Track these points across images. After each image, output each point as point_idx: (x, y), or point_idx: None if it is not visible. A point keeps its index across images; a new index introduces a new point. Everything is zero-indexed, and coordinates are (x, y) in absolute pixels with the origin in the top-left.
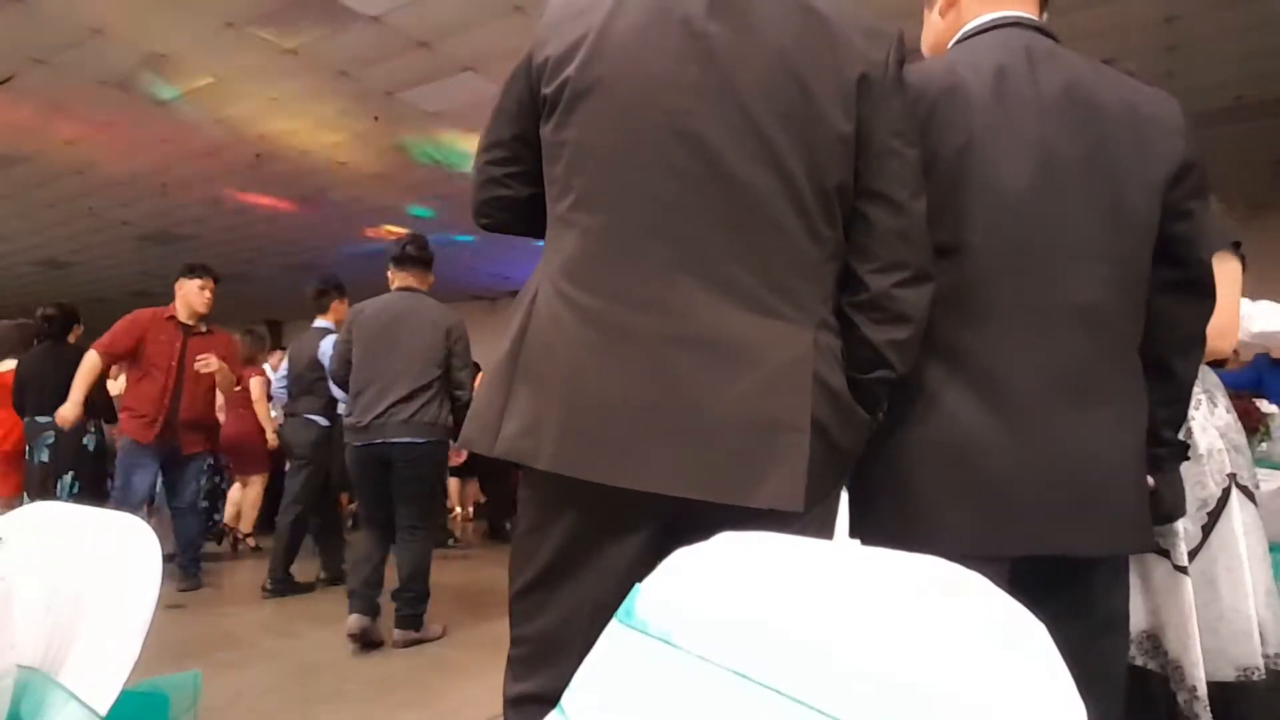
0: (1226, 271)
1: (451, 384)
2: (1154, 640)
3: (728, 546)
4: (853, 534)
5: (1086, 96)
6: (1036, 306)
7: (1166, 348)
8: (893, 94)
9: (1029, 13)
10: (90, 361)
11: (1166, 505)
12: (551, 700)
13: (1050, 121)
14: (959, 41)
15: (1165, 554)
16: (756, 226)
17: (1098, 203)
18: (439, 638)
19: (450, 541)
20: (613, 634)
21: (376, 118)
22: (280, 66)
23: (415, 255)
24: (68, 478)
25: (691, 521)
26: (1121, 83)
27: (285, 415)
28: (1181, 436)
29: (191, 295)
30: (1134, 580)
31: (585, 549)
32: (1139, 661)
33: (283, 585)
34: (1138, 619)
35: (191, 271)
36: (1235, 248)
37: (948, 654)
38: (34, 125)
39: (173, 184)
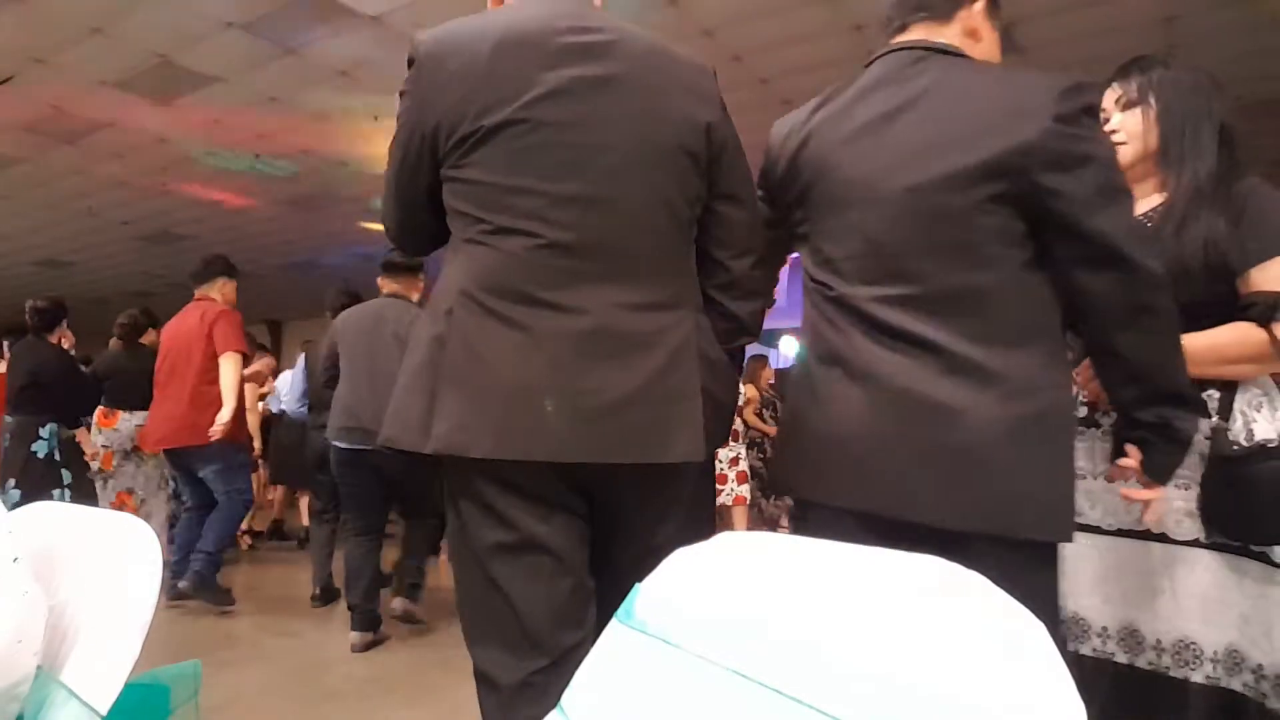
0: None
1: None
2: (1234, 656)
3: (727, 546)
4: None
5: (927, 103)
6: (882, 301)
7: (1101, 325)
8: (727, 122)
9: (935, 40)
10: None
11: (1156, 481)
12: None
13: (881, 136)
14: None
15: (1259, 557)
16: (645, 238)
17: (919, 199)
18: (417, 620)
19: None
20: (612, 633)
21: (376, 117)
22: (280, 66)
23: (401, 262)
24: (10, 484)
25: (612, 480)
26: (985, 79)
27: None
28: (1243, 439)
29: (233, 297)
30: (1213, 591)
31: (535, 521)
32: (1223, 683)
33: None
34: (1217, 634)
35: (235, 272)
36: None
37: (947, 654)
38: (34, 125)
39: (173, 184)
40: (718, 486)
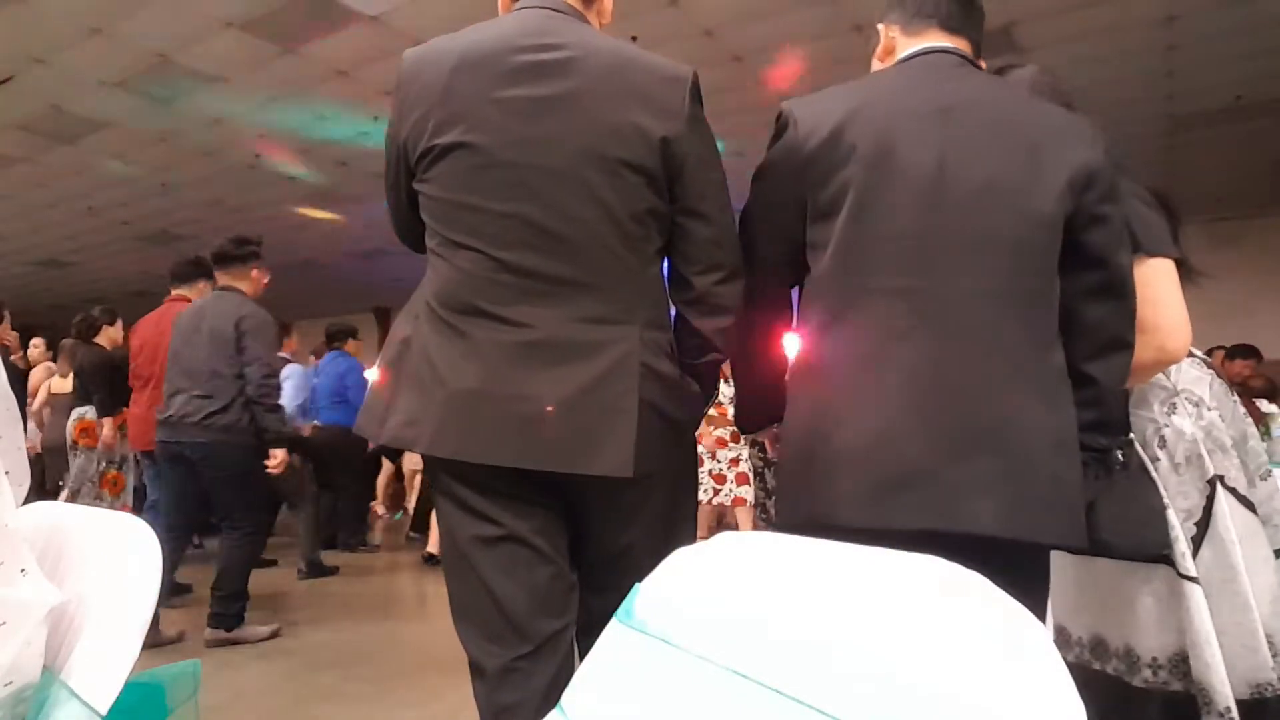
0: (1165, 271)
1: (245, 380)
2: (1186, 661)
3: (727, 546)
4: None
5: (979, 112)
6: (925, 310)
7: (1083, 352)
8: (693, 135)
9: (953, 44)
10: None
11: (1094, 513)
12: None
13: (938, 136)
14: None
15: (1167, 561)
16: (587, 252)
17: (983, 210)
18: (261, 639)
19: (362, 546)
20: (612, 633)
21: (376, 118)
22: (280, 66)
23: (230, 253)
24: None
25: (572, 483)
26: (1026, 103)
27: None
28: (1156, 445)
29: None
30: (1163, 599)
31: (510, 515)
32: (1175, 687)
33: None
34: (1167, 640)
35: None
36: (1167, 250)
37: (947, 654)
38: (34, 125)
39: (173, 184)
40: (716, 486)
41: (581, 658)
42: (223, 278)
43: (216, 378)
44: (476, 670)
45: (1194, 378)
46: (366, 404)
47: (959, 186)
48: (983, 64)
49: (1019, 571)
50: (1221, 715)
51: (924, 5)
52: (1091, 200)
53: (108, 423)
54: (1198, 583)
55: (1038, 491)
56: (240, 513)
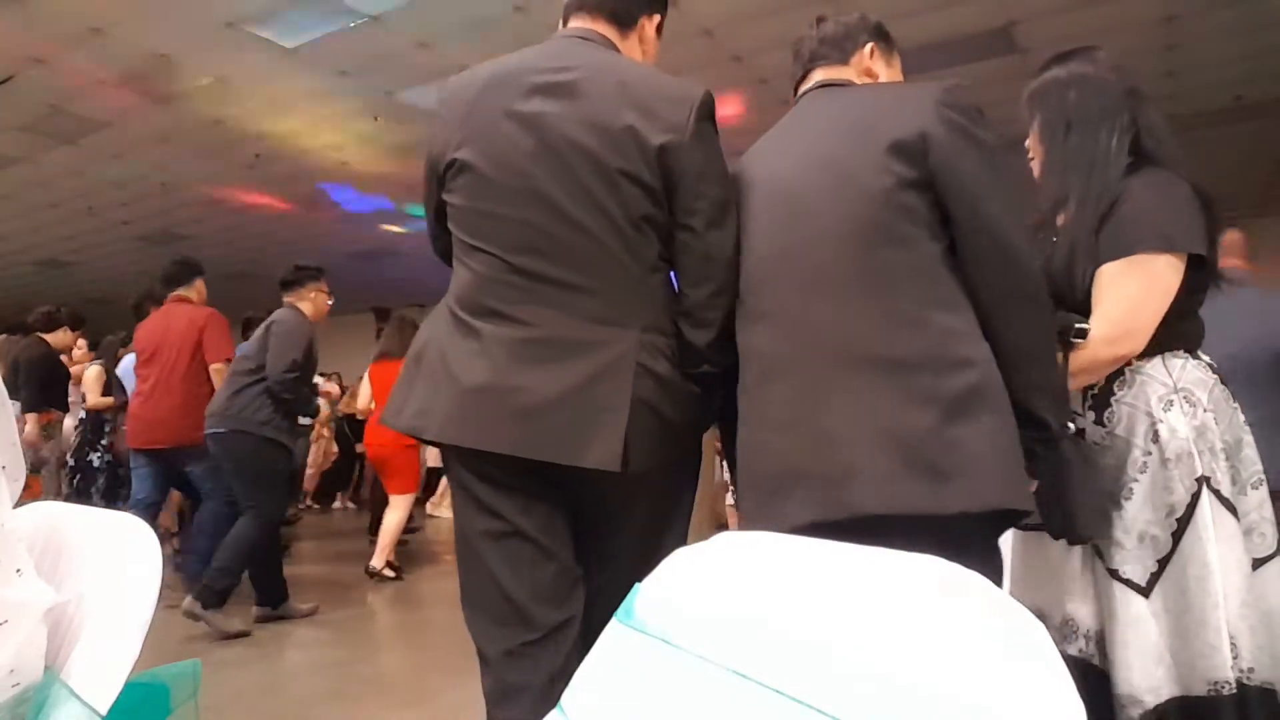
0: (1139, 267)
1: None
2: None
3: (727, 546)
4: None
5: (826, 116)
6: (783, 321)
7: (983, 314)
8: (694, 149)
9: (832, 77)
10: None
11: (1040, 497)
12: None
13: (778, 158)
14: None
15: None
16: (589, 256)
17: (823, 207)
18: (231, 635)
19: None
20: (612, 633)
21: (376, 118)
22: (280, 66)
23: (286, 278)
24: None
25: (571, 478)
26: (874, 89)
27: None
28: (1148, 440)
29: (205, 293)
30: (1090, 590)
31: (515, 511)
32: (1097, 662)
33: None
34: (1095, 624)
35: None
36: (1163, 245)
37: (948, 654)
38: (34, 125)
39: (173, 184)
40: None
41: (580, 659)
42: (286, 298)
43: (237, 374)
44: (484, 657)
45: (1196, 379)
46: (390, 398)
47: (791, 196)
48: (871, 74)
49: (949, 550)
50: (1116, 699)
51: (799, 58)
52: (935, 162)
53: (31, 419)
54: (1140, 592)
55: (924, 460)
56: (248, 497)
